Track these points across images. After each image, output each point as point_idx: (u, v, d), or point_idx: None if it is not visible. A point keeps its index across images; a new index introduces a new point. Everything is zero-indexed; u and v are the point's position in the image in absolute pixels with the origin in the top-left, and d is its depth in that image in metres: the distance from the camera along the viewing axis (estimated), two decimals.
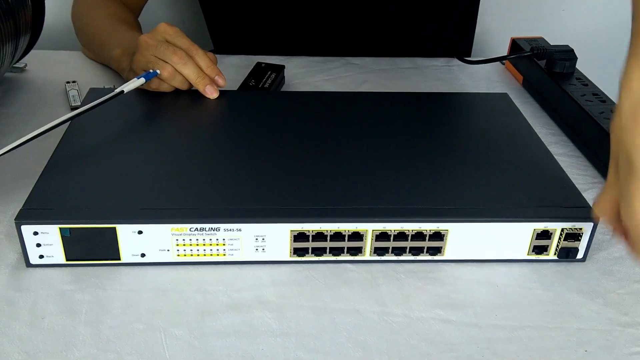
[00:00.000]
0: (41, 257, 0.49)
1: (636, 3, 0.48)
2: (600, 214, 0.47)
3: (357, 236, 0.50)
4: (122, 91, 0.62)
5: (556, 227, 0.50)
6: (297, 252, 0.50)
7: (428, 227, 0.50)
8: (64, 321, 0.45)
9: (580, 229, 0.50)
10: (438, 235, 0.50)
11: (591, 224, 0.50)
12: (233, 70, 0.81)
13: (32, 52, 0.78)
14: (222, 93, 0.68)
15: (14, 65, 0.79)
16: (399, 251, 0.51)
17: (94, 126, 0.60)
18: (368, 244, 0.50)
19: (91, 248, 0.49)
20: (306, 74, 0.83)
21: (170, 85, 0.67)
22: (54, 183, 0.51)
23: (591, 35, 1.16)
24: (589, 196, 0.60)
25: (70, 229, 0.48)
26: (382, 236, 0.50)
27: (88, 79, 0.79)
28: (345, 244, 0.50)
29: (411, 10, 0.91)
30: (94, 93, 0.67)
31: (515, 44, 0.86)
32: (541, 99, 0.79)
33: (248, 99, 0.69)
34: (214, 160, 0.56)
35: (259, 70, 0.78)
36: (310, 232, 0.49)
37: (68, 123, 0.58)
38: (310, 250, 0.50)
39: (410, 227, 0.49)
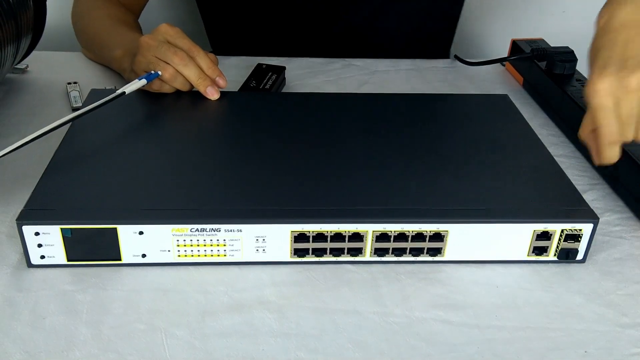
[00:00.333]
0: (42, 257, 0.49)
1: None
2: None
3: (357, 237, 0.50)
4: (124, 92, 0.62)
5: (556, 228, 0.50)
6: (298, 252, 0.50)
7: (428, 228, 0.50)
8: (65, 321, 0.45)
9: (580, 230, 0.50)
10: (438, 236, 0.50)
11: (591, 225, 0.50)
12: (234, 71, 0.82)
13: (34, 53, 0.78)
14: (223, 94, 0.68)
15: (16, 67, 0.79)
16: (399, 252, 0.51)
17: (95, 127, 0.60)
18: (368, 244, 0.50)
19: (92, 248, 0.49)
20: (307, 75, 0.83)
21: (172, 86, 0.67)
22: (55, 184, 0.52)
23: (591, 37, 1.16)
24: (589, 197, 0.61)
25: (71, 229, 0.48)
26: (382, 237, 0.50)
27: (89, 80, 0.79)
28: (346, 244, 0.50)
29: (410, 11, 0.91)
30: (95, 94, 0.67)
31: (515, 46, 0.86)
32: (541, 100, 0.79)
33: (249, 100, 0.69)
34: (215, 161, 0.56)
35: (259, 72, 0.79)
36: (311, 232, 0.49)
37: (69, 124, 0.58)
38: (310, 251, 0.50)
39: (411, 228, 0.50)
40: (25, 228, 0.48)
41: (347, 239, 0.50)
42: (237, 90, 0.75)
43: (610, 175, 0.63)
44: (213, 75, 0.67)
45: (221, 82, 0.68)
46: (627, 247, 0.55)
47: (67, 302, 0.47)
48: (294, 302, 0.48)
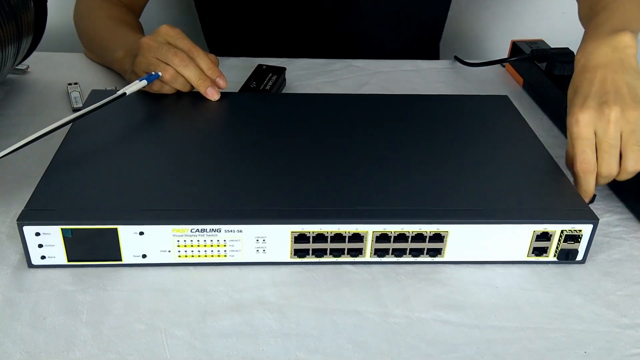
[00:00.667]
0: (43, 257, 0.49)
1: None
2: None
3: (357, 237, 0.50)
4: (124, 93, 0.62)
5: (556, 229, 0.50)
6: (298, 253, 0.50)
7: (428, 228, 0.50)
8: (66, 321, 0.45)
9: (580, 230, 0.51)
10: (438, 237, 0.50)
11: (591, 226, 0.51)
12: (234, 72, 0.82)
13: (35, 53, 0.78)
14: (224, 95, 0.68)
15: (16, 67, 0.79)
16: (399, 252, 0.51)
17: (95, 128, 0.60)
18: (368, 245, 0.50)
19: (93, 249, 0.49)
20: (307, 76, 0.83)
21: (172, 87, 0.67)
22: (56, 184, 0.52)
23: None
24: None
25: (72, 229, 0.48)
26: (383, 237, 0.50)
27: (90, 80, 0.79)
28: (346, 245, 0.50)
29: (401, 11, 0.92)
30: (95, 95, 0.67)
31: (515, 47, 0.86)
32: (541, 101, 0.79)
33: (249, 101, 0.69)
34: (215, 162, 0.56)
35: (260, 73, 0.79)
36: (311, 233, 0.49)
37: (70, 125, 0.58)
38: (310, 252, 0.50)
39: (411, 228, 0.50)
40: (25, 228, 0.48)
41: (347, 239, 0.50)
42: (237, 91, 0.75)
43: None
44: (213, 76, 0.68)
45: (221, 82, 0.68)
46: (627, 248, 0.55)
47: (68, 303, 0.47)
48: (294, 302, 0.48)
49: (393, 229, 0.50)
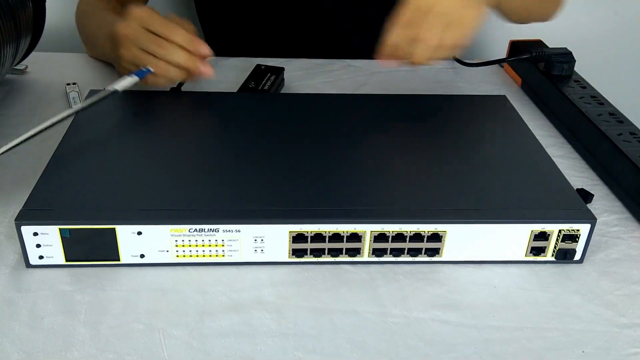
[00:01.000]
0: (41, 257, 0.49)
1: None
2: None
3: (355, 237, 0.50)
4: (116, 90, 0.62)
5: (554, 229, 0.50)
6: (296, 253, 0.50)
7: (426, 228, 0.50)
8: (64, 321, 0.45)
9: (578, 230, 0.51)
10: (436, 237, 0.50)
11: (589, 226, 0.51)
12: (233, 72, 0.82)
13: (33, 54, 0.78)
14: (222, 95, 0.68)
15: (15, 67, 0.79)
16: (397, 252, 0.51)
17: (93, 128, 0.61)
18: (366, 245, 0.50)
19: (91, 249, 0.49)
20: (306, 76, 0.83)
21: (167, 77, 0.65)
22: (54, 184, 0.52)
23: (589, 38, 1.17)
24: None
25: (70, 229, 0.48)
26: (381, 237, 0.50)
27: (89, 80, 0.79)
28: (344, 245, 0.50)
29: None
30: (93, 94, 0.67)
31: (514, 47, 0.86)
32: (539, 101, 0.79)
33: (248, 101, 0.69)
34: (214, 161, 0.56)
35: (258, 73, 0.79)
36: (309, 233, 0.49)
37: (68, 124, 0.58)
38: (309, 251, 0.50)
39: (409, 228, 0.50)
40: (23, 228, 0.48)
41: (345, 239, 0.50)
42: (236, 91, 0.75)
43: (608, 176, 0.63)
44: (195, 48, 0.65)
45: (205, 50, 0.66)
46: (625, 247, 0.55)
47: (66, 302, 0.47)
48: (292, 302, 0.48)
49: (391, 228, 0.50)
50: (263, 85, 0.76)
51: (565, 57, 0.77)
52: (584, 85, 0.75)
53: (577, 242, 0.51)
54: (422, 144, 0.60)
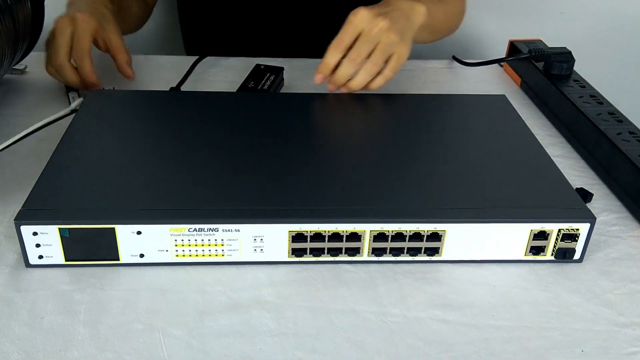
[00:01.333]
0: (40, 257, 0.49)
1: None
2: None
3: (355, 237, 0.50)
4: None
5: (553, 228, 0.51)
6: (296, 252, 0.50)
7: (426, 227, 0.50)
8: (63, 321, 0.45)
9: (577, 229, 0.51)
10: (435, 236, 0.50)
11: (588, 225, 0.51)
12: (232, 72, 0.82)
13: (32, 54, 0.78)
14: (222, 95, 0.68)
15: (14, 67, 0.79)
16: (396, 252, 0.51)
17: (93, 127, 0.61)
18: (366, 244, 0.50)
19: (90, 248, 0.49)
20: (305, 76, 0.83)
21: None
22: (53, 184, 0.52)
23: (589, 38, 1.17)
24: None
25: (69, 229, 0.48)
26: (380, 237, 0.50)
27: None
28: (343, 244, 0.50)
29: None
30: (97, 95, 0.67)
31: (513, 46, 0.86)
32: (539, 100, 0.79)
33: (247, 100, 0.69)
34: (213, 161, 0.56)
35: (258, 72, 0.79)
36: (309, 232, 0.49)
37: (67, 125, 0.58)
38: (308, 251, 0.50)
39: (408, 227, 0.50)
40: (23, 228, 0.48)
41: (344, 238, 0.50)
42: (235, 91, 0.75)
43: (608, 175, 0.63)
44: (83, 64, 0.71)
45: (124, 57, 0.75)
46: (624, 246, 0.55)
47: (65, 302, 0.47)
48: (292, 301, 0.48)
49: (390, 228, 0.50)
50: (262, 85, 0.76)
51: (565, 57, 0.77)
52: (583, 84, 0.75)
53: (576, 241, 0.51)
54: (422, 143, 0.60)
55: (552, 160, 0.58)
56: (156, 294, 0.48)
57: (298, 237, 0.50)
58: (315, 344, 0.44)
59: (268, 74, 0.78)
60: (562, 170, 0.57)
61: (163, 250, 0.49)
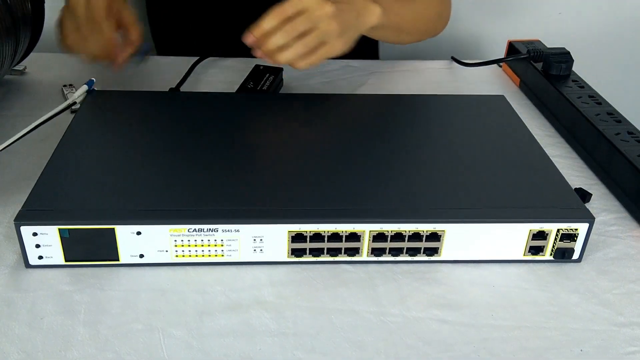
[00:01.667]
0: (40, 257, 0.49)
1: None
2: None
3: (354, 237, 0.50)
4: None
5: (552, 228, 0.51)
6: (295, 252, 0.51)
7: (425, 227, 0.50)
8: (63, 321, 0.45)
9: (576, 229, 0.51)
10: (435, 236, 0.50)
11: (587, 225, 0.51)
12: (231, 72, 0.82)
13: (32, 54, 0.78)
14: (221, 95, 0.68)
15: (14, 68, 0.79)
16: (396, 252, 0.51)
17: (92, 128, 0.61)
18: (365, 244, 0.50)
19: (90, 249, 0.49)
20: (304, 77, 0.84)
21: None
22: (53, 184, 0.52)
23: (587, 38, 1.17)
24: None
25: (69, 229, 0.48)
26: (379, 237, 0.50)
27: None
28: (343, 244, 0.50)
29: None
30: (98, 95, 0.67)
31: (512, 47, 0.86)
32: (538, 101, 0.79)
33: (246, 101, 0.69)
34: (212, 161, 0.56)
35: (257, 73, 0.79)
36: (308, 232, 0.49)
37: (67, 125, 0.58)
38: (307, 251, 0.51)
39: (407, 227, 0.50)
40: (23, 228, 0.48)
41: (344, 238, 0.50)
42: (234, 92, 0.75)
43: (606, 176, 0.64)
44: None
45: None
46: (623, 246, 0.55)
47: (65, 302, 0.47)
48: (291, 301, 0.48)
49: (390, 228, 0.50)
50: (262, 86, 0.76)
51: (563, 57, 0.77)
52: (582, 85, 0.75)
53: (575, 241, 0.51)
54: (420, 143, 0.60)
55: (551, 160, 0.58)
56: (156, 294, 0.48)
57: (297, 237, 0.50)
58: (315, 344, 0.44)
59: (267, 75, 0.78)
60: (560, 171, 0.57)
61: (163, 251, 0.49)
